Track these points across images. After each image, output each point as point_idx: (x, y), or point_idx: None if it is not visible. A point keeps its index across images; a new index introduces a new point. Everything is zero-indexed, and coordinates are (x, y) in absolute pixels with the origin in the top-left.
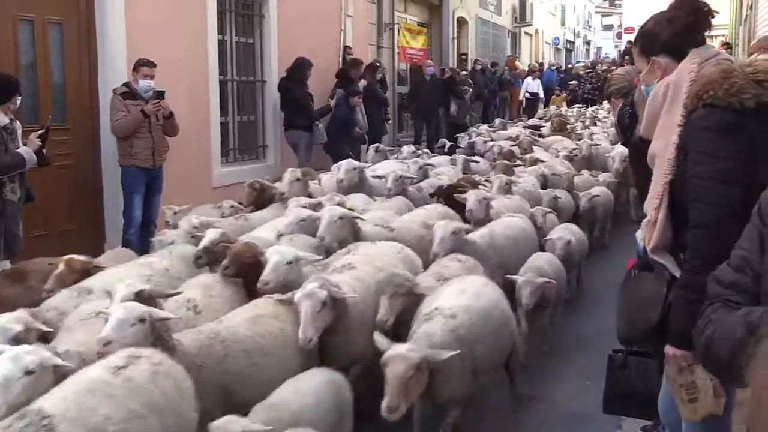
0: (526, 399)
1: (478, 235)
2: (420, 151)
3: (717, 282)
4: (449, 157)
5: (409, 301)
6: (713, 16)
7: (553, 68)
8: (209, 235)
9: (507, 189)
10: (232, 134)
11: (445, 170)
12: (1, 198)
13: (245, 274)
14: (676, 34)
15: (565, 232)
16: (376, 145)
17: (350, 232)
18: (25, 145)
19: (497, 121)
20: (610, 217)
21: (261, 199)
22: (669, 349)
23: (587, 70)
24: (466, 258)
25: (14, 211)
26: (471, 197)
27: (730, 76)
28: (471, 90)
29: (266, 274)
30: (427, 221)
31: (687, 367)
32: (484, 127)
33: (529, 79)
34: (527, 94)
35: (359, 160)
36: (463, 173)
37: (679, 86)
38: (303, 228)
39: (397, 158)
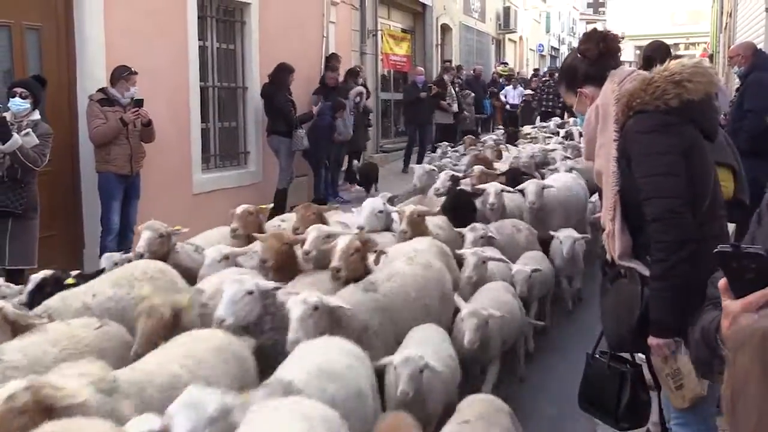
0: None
1: None
2: None
3: (712, 285)
4: None
5: None
6: (620, 41)
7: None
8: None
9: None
10: (213, 141)
11: None
12: None
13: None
14: (592, 63)
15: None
16: None
17: None
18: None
19: None
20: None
21: None
22: (652, 340)
23: (544, 79)
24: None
25: None
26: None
27: (651, 82)
28: (472, 95)
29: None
30: None
31: (671, 354)
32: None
33: (509, 88)
34: (507, 106)
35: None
36: None
37: (606, 106)
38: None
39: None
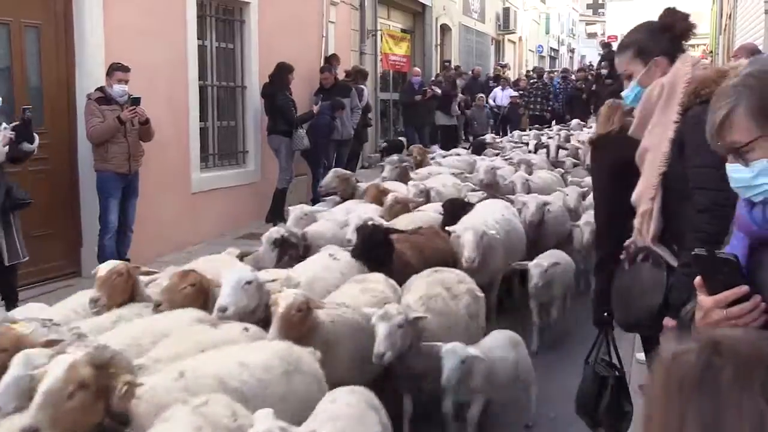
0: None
1: None
2: None
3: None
4: None
5: None
6: (694, 28)
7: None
8: None
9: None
10: (211, 140)
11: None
12: None
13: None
14: (671, 39)
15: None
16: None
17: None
18: None
19: None
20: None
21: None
22: (668, 321)
23: (532, 81)
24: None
25: None
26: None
27: (724, 75)
28: (481, 96)
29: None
30: None
31: None
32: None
33: (497, 89)
34: (495, 108)
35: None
36: None
37: (674, 86)
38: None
39: None
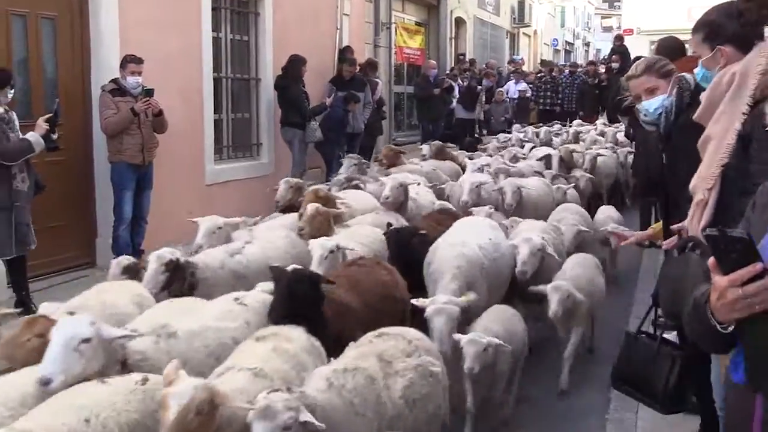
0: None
1: None
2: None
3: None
4: None
5: None
6: None
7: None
8: None
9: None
10: (226, 131)
11: None
12: (11, 189)
13: None
14: (746, 25)
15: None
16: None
17: None
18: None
19: None
20: None
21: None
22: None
23: (539, 74)
24: None
25: (25, 201)
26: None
27: None
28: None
29: None
30: None
31: None
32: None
33: (511, 83)
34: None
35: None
36: None
37: (746, 76)
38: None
39: None
